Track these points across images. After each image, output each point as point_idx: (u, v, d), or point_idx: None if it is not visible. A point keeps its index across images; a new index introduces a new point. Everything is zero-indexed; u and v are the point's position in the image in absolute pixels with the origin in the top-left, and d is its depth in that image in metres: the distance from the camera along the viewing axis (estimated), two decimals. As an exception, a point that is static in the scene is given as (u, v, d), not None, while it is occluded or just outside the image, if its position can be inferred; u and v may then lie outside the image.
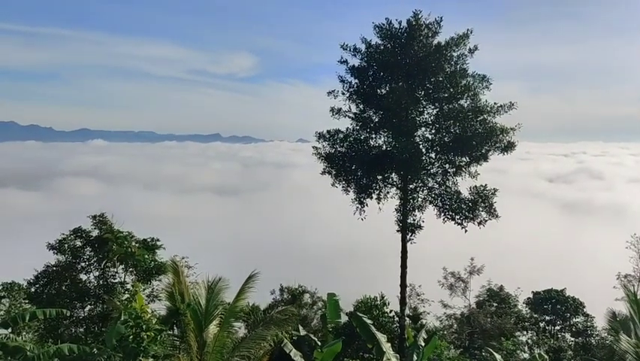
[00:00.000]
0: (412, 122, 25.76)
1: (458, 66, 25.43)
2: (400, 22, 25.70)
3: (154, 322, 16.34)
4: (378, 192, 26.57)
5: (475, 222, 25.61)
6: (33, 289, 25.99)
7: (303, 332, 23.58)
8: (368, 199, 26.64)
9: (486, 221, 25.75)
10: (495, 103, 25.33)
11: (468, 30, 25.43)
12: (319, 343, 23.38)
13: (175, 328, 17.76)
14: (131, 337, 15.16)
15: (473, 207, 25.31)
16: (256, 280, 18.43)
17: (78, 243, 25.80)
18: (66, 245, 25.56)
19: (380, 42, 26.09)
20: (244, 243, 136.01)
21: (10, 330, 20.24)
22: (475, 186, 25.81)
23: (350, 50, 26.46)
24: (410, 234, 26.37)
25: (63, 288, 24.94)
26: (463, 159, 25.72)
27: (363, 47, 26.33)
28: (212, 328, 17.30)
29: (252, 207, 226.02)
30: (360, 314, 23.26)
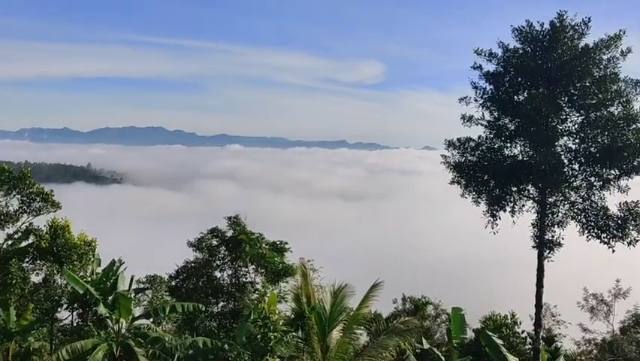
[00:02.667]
0: (553, 131, 23.89)
1: (608, 70, 23.11)
2: (542, 25, 24.02)
3: (281, 323, 16.82)
4: (512, 204, 24.95)
5: (625, 242, 23.07)
6: (173, 283, 28.03)
7: (426, 345, 22.91)
8: (501, 212, 25.16)
9: (637, 241, 23.10)
10: (651, 110, 22.72)
11: (620, 31, 23.11)
12: (443, 358, 22.56)
13: (300, 330, 18.10)
14: (259, 336, 15.71)
15: (623, 225, 22.82)
16: (380, 288, 18.27)
17: (214, 242, 27.40)
18: (204, 244, 27.26)
19: (519, 46, 24.56)
20: (367, 248, 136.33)
21: (151, 320, 22.06)
22: (626, 202, 23.25)
23: (485, 55, 25.23)
24: (548, 251, 24.45)
25: (200, 284, 26.59)
26: (612, 171, 23.28)
27: (499, 52, 24.97)
28: (335, 333, 17.39)
29: (376, 214, 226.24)
30: (489, 333, 22.09)
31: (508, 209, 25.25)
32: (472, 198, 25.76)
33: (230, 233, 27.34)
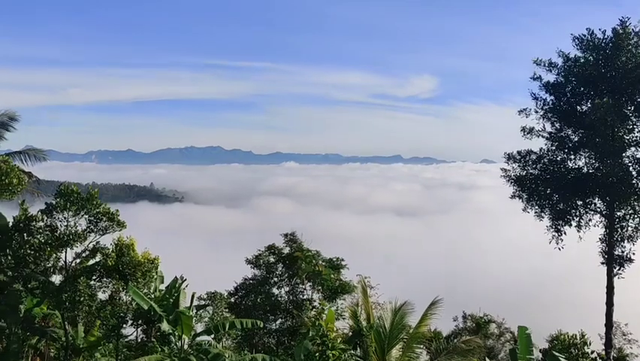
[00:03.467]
0: (620, 142, 22.85)
1: (678, 77, 22.01)
2: (603, 32, 23.14)
3: (339, 341, 16.69)
4: (578, 219, 23.98)
5: None
6: (232, 300, 28.43)
7: (490, 366, 22.15)
8: (566, 226, 24.18)
9: None
10: None
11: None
12: (508, 380, 21.72)
13: (358, 348, 17.90)
14: (318, 354, 15.63)
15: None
16: (438, 306, 17.88)
17: (272, 259, 27.65)
18: (261, 261, 27.57)
19: (580, 55, 23.77)
20: (424, 265, 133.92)
21: (212, 337, 22.42)
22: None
23: (544, 65, 24.55)
24: (618, 267, 23.26)
25: (258, 300, 26.84)
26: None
27: (559, 62, 24.26)
28: (395, 351, 17.08)
29: (433, 229, 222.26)
30: (557, 353, 21.10)
31: (573, 224, 24.27)
32: (535, 212, 24.94)
33: (286, 250, 27.52)
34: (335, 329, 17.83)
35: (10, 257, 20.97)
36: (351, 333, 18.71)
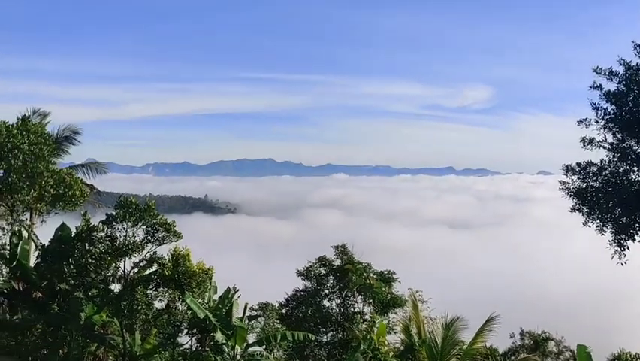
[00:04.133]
0: (687, 152, 21.68)
1: None
2: (668, 37, 22.09)
3: (390, 355, 16.54)
4: (642, 233, 22.83)
5: None
6: (284, 311, 28.63)
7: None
8: (629, 241, 23.06)
9: None
10: None
11: None
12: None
13: (410, 363, 17.66)
14: (369, 368, 15.53)
15: None
16: (494, 322, 17.47)
17: (322, 271, 27.73)
18: (312, 272, 27.69)
19: (643, 62, 22.76)
20: (478, 279, 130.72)
21: (264, 348, 22.65)
22: None
23: (605, 73, 23.59)
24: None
25: (309, 312, 26.92)
26: None
27: (621, 70, 23.26)
28: (448, 367, 16.77)
29: (486, 243, 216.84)
30: (621, 375, 20.11)
31: (638, 238, 23.14)
32: (596, 226, 23.90)
33: (337, 262, 27.53)
34: (386, 342, 17.70)
35: (72, 266, 21.86)
36: (402, 347, 18.50)
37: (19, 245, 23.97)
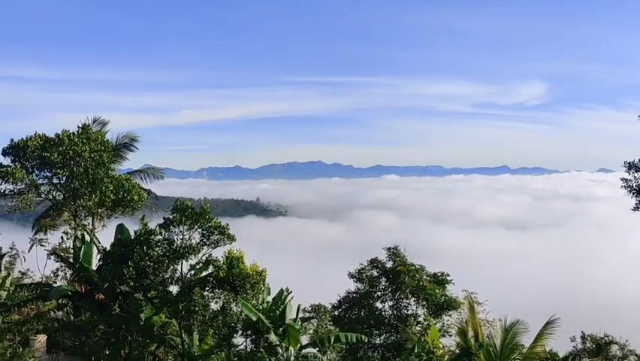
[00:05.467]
0: None
1: None
2: None
3: (446, 358, 16.27)
4: None
5: None
6: (336, 313, 28.67)
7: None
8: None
9: None
10: None
11: None
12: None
13: (466, 367, 17.30)
14: (424, 371, 15.33)
15: None
16: (554, 325, 16.93)
17: (374, 273, 27.61)
18: (364, 274, 27.61)
19: None
20: (535, 281, 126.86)
21: (317, 349, 22.76)
22: None
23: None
24: None
25: (361, 314, 26.86)
26: None
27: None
28: (506, 372, 16.36)
29: (544, 244, 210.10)
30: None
31: None
32: (662, 225, 22.75)
33: (389, 264, 27.35)
34: (441, 345, 17.43)
35: (132, 268, 22.62)
36: (458, 351, 18.17)
37: (82, 249, 25.04)
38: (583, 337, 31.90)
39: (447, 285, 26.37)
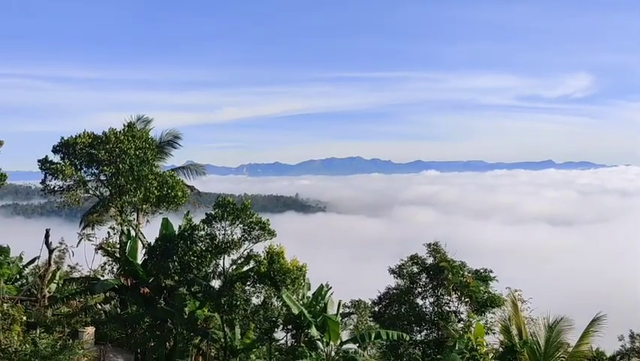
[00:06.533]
0: None
1: None
2: None
3: (490, 356, 16.01)
4: None
5: None
6: (376, 309, 28.55)
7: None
8: None
9: None
10: None
11: None
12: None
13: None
14: (467, 368, 15.13)
15: None
16: (601, 323, 16.47)
17: (415, 269, 27.34)
18: (404, 270, 27.37)
19: None
20: (581, 278, 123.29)
21: (357, 345, 22.77)
22: None
23: None
24: None
25: (402, 310, 26.65)
26: None
27: None
28: (552, 371, 16.02)
29: (591, 240, 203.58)
30: None
31: None
32: None
33: (430, 260, 27.04)
34: (485, 343, 17.15)
35: (176, 263, 23.12)
36: (502, 349, 17.86)
37: (128, 244, 25.75)
38: (632, 336, 30.87)
39: (490, 282, 25.90)
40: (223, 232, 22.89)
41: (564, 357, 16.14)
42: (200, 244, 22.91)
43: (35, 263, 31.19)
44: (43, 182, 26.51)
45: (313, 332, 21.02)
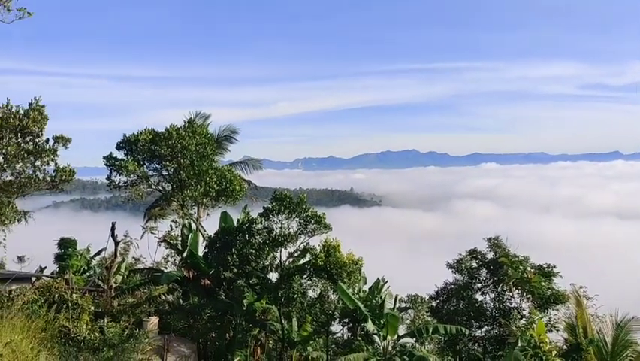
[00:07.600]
0: None
1: None
2: None
3: (553, 354, 15.49)
4: None
5: None
6: (434, 304, 28.15)
7: None
8: None
9: None
10: None
11: None
12: None
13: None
14: (529, 366, 14.69)
15: None
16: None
17: (474, 264, 26.73)
18: (463, 265, 26.81)
19: None
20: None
21: (414, 340, 22.51)
22: None
23: None
24: None
25: (460, 306, 26.15)
26: None
27: None
28: (620, 370, 15.33)
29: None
30: None
31: None
32: None
33: (490, 255, 26.37)
34: (549, 341, 16.58)
35: (235, 255, 23.59)
36: (566, 347, 17.22)
37: (189, 236, 26.45)
38: None
39: (554, 278, 24.96)
40: (280, 226, 23.16)
41: (632, 357, 15.43)
42: (257, 237, 23.28)
43: (102, 255, 32.59)
44: (108, 178, 27.56)
45: (370, 325, 20.94)
